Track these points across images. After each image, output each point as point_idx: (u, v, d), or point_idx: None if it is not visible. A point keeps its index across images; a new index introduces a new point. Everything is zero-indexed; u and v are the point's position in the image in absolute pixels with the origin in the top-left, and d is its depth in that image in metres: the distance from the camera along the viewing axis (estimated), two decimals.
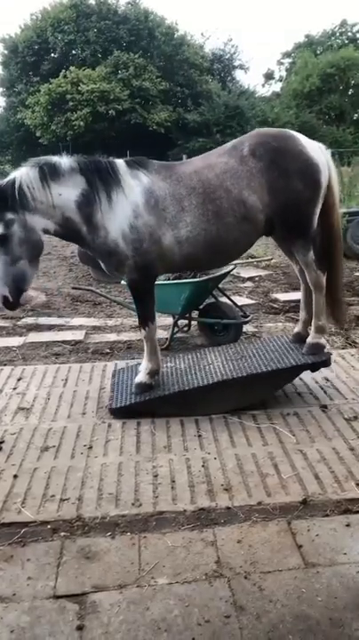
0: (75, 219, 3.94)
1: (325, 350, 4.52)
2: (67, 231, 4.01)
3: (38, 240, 3.91)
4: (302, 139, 4.16)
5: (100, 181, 3.93)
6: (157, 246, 4.03)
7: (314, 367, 4.52)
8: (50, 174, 3.85)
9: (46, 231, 3.95)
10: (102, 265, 4.26)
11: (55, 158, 3.94)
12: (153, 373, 4.39)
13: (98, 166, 3.98)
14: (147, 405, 4.31)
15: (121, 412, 4.31)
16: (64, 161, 3.94)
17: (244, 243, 4.30)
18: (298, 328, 4.83)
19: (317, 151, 4.13)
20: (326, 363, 4.48)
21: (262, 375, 4.31)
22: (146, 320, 4.28)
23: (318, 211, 4.19)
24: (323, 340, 4.52)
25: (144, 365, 4.42)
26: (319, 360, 4.45)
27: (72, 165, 3.94)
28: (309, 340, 4.52)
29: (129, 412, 4.31)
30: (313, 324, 4.52)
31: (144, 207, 3.97)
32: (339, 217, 4.41)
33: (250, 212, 4.05)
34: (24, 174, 3.81)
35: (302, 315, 4.76)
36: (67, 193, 3.89)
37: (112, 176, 3.96)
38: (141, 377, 4.38)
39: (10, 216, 3.77)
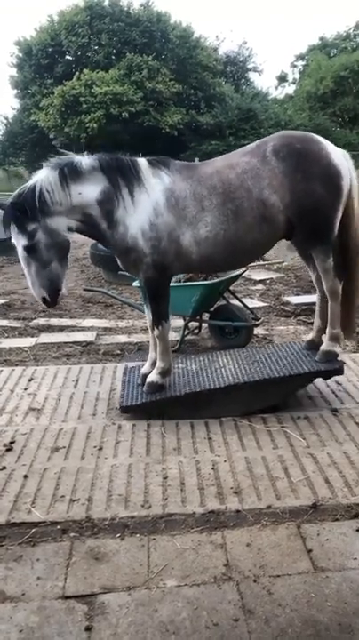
0: (96, 215, 4.00)
1: (338, 358, 4.51)
2: (87, 227, 4.08)
3: (64, 240, 4.00)
4: (326, 143, 4.15)
5: (122, 179, 3.98)
6: (176, 245, 4.05)
7: (326, 375, 4.52)
8: (70, 175, 3.90)
9: (69, 229, 4.02)
10: (119, 262, 4.29)
11: (77, 158, 3.98)
12: (164, 373, 4.39)
13: (119, 164, 4.03)
14: (158, 405, 4.31)
15: (131, 411, 4.33)
16: (85, 160, 3.98)
17: (263, 244, 4.28)
18: (311, 335, 4.81)
19: (341, 157, 4.13)
20: (339, 371, 4.47)
21: (274, 380, 4.31)
22: (159, 319, 4.29)
23: (339, 217, 4.17)
24: (337, 348, 4.50)
25: (156, 365, 4.43)
26: (332, 368, 4.44)
27: (93, 165, 3.98)
28: (323, 347, 4.50)
29: (139, 410, 4.33)
30: (327, 331, 4.51)
31: (164, 206, 4.00)
32: (358, 226, 4.36)
33: (270, 212, 4.04)
34: (44, 178, 3.87)
35: (317, 322, 4.74)
36: (88, 191, 3.95)
37: (134, 174, 4.00)
38: (153, 376, 4.39)
39: (32, 226, 3.85)
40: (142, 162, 4.11)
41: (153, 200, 3.99)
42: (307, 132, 4.61)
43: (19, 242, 3.89)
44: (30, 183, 3.91)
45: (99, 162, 3.99)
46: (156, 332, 4.33)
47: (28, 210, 3.80)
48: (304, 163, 4.00)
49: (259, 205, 4.02)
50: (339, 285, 4.32)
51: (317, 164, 4.02)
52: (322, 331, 4.64)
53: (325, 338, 4.53)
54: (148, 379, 4.41)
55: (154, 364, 4.48)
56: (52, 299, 4.04)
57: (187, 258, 4.12)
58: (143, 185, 3.99)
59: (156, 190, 4.01)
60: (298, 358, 4.58)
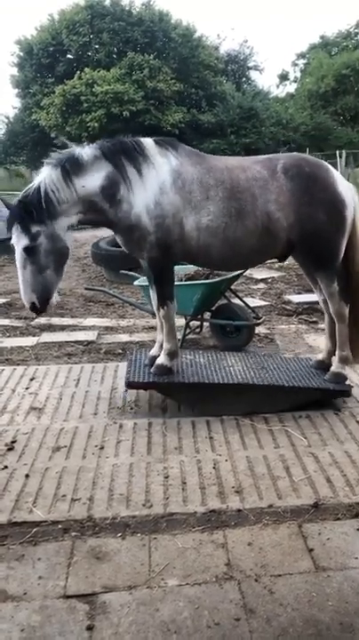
0: (99, 200, 3.98)
1: (347, 382, 4.51)
2: (90, 215, 4.07)
3: (64, 247, 3.98)
4: (335, 173, 4.23)
5: (127, 159, 3.98)
6: (179, 228, 4.06)
7: (334, 394, 4.51)
8: (72, 170, 3.88)
9: (71, 226, 4.01)
10: (122, 242, 4.27)
11: (77, 151, 3.96)
12: (172, 355, 4.41)
13: (123, 146, 4.04)
14: (165, 388, 4.38)
15: (137, 387, 4.42)
16: (86, 151, 3.96)
17: (259, 253, 4.30)
18: (321, 356, 4.81)
19: (346, 188, 4.20)
20: (347, 393, 4.47)
21: (284, 389, 4.33)
22: (164, 299, 4.29)
23: (343, 245, 4.21)
24: (346, 371, 4.52)
25: (163, 347, 4.45)
26: (340, 389, 4.45)
27: (95, 154, 3.97)
28: (333, 369, 4.52)
29: (144, 388, 4.43)
30: (336, 354, 4.53)
31: (171, 186, 4.01)
32: None
33: (273, 226, 4.08)
34: (47, 178, 3.85)
35: (327, 344, 4.74)
36: (91, 181, 3.94)
37: (139, 152, 4.01)
38: (162, 359, 4.41)
39: (36, 228, 3.83)
40: (148, 141, 4.12)
41: (160, 179, 4.00)
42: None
43: (19, 242, 3.85)
44: (35, 184, 3.89)
45: (101, 149, 3.99)
46: (162, 312, 4.34)
47: (34, 211, 3.79)
48: (312, 187, 4.06)
49: (262, 215, 4.06)
50: (345, 308, 4.34)
51: (324, 191, 4.08)
52: (332, 353, 4.64)
53: (334, 360, 4.55)
54: (158, 361, 4.43)
55: (162, 346, 4.50)
56: (42, 306, 3.98)
57: (188, 243, 4.12)
58: (150, 162, 4.00)
59: (163, 170, 4.02)
60: (306, 373, 4.59)
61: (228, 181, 4.06)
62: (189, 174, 4.05)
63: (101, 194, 3.96)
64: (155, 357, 4.53)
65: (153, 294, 4.42)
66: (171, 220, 4.02)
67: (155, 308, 4.49)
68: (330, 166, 4.29)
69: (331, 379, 4.48)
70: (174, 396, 4.41)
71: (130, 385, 4.39)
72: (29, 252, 3.84)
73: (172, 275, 4.33)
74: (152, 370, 4.42)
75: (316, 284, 4.51)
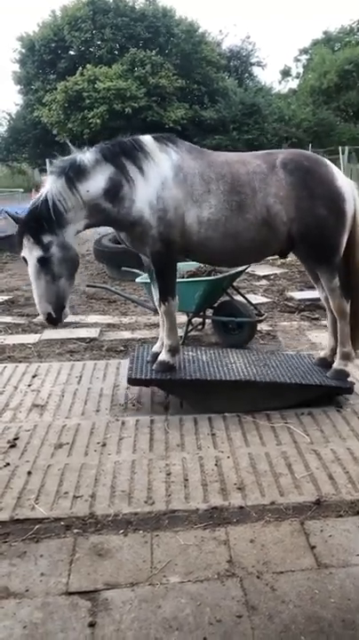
0: (101, 202, 4.00)
1: (349, 378, 4.49)
2: (95, 218, 4.08)
3: (75, 255, 4.02)
4: (334, 168, 4.25)
5: (127, 159, 4.00)
6: (180, 222, 4.07)
7: (336, 391, 4.49)
8: (76, 177, 3.91)
9: (77, 231, 4.05)
10: (124, 238, 4.30)
11: (79, 157, 3.98)
12: (173, 351, 4.41)
13: (122, 147, 4.06)
14: (167, 385, 4.38)
15: (139, 384, 4.41)
16: (87, 157, 3.98)
17: (260, 247, 4.29)
18: (324, 353, 4.81)
19: (345, 183, 4.22)
20: (349, 390, 4.45)
21: (286, 386, 4.33)
22: (166, 295, 4.30)
23: (344, 240, 4.21)
24: (348, 368, 4.51)
25: (164, 343, 4.45)
26: (343, 386, 4.43)
27: (96, 157, 3.99)
28: (335, 365, 4.52)
29: (147, 384, 4.43)
30: (338, 350, 4.53)
31: (172, 180, 4.03)
32: None
33: (273, 220, 4.09)
34: (53, 188, 3.87)
35: (330, 341, 4.74)
36: (95, 185, 3.96)
37: (139, 150, 4.03)
38: (163, 355, 4.42)
39: (48, 239, 3.86)
40: (147, 138, 4.14)
41: (161, 174, 4.02)
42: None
43: (32, 253, 3.88)
44: (42, 195, 3.91)
45: (102, 153, 4.02)
46: (163, 308, 4.35)
47: (45, 222, 3.83)
48: (310, 181, 4.08)
49: (262, 209, 4.07)
50: (346, 304, 4.34)
51: (322, 185, 4.09)
52: (334, 350, 4.64)
53: (336, 357, 4.55)
54: (159, 358, 4.43)
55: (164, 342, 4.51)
56: (58, 315, 4.02)
57: (189, 237, 4.13)
58: (151, 158, 4.02)
59: (165, 165, 4.04)
60: (308, 370, 4.59)
61: (229, 175, 4.08)
62: (191, 168, 4.07)
63: (104, 196, 3.98)
64: (157, 354, 4.54)
65: (154, 290, 4.43)
66: (172, 213, 4.03)
67: (156, 304, 4.48)
68: (329, 162, 4.31)
69: (333, 375, 4.47)
70: (176, 392, 4.41)
71: (132, 382, 4.40)
72: (43, 262, 3.87)
73: (175, 270, 4.35)
74: (154, 367, 4.42)
75: (318, 281, 4.51)
